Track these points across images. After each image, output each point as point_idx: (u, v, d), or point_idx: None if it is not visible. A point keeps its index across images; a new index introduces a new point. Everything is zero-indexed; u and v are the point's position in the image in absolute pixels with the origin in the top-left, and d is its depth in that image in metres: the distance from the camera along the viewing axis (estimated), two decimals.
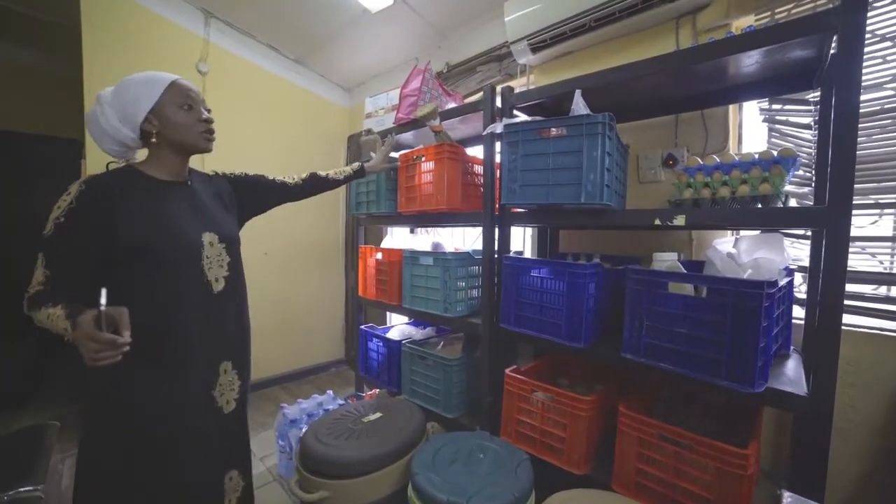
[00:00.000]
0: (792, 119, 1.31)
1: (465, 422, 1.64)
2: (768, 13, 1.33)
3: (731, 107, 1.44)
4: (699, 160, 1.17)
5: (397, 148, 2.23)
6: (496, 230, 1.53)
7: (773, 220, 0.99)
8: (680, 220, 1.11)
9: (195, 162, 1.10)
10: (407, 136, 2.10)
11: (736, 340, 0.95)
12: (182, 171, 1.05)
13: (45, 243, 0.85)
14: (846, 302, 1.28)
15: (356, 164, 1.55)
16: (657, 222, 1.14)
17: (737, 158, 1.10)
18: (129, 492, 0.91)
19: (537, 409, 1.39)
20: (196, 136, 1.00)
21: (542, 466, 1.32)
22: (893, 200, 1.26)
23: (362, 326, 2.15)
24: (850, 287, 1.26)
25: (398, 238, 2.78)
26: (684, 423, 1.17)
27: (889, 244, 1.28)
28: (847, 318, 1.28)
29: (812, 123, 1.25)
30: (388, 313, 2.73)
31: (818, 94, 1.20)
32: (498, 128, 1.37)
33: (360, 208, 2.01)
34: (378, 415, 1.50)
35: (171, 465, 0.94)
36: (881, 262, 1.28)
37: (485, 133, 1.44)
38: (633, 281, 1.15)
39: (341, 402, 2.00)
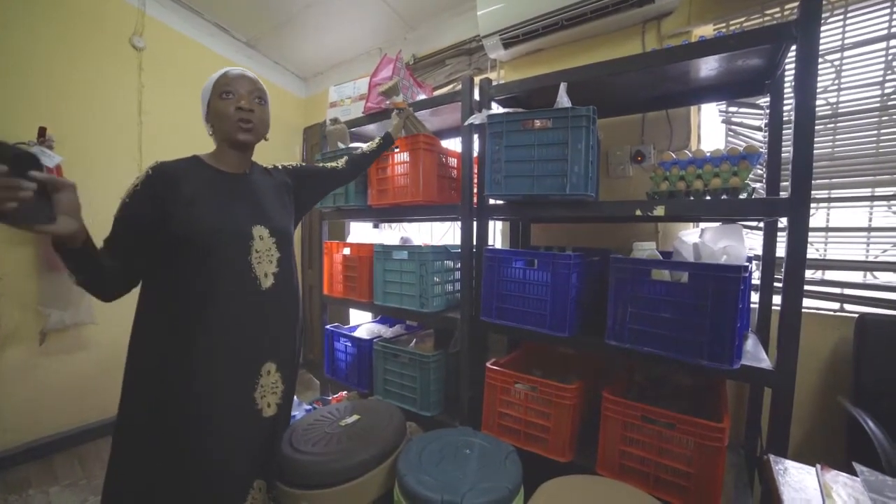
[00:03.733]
0: (745, 121, 1.43)
1: (444, 419, 1.60)
2: (724, 24, 1.45)
3: (692, 108, 1.54)
4: (673, 155, 1.24)
5: (366, 140, 2.15)
6: (474, 223, 1.52)
7: (747, 209, 1.08)
8: (660, 211, 1.16)
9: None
10: (370, 128, 2.03)
11: (715, 322, 1.01)
12: (240, 164, 1.04)
13: (114, 221, 0.88)
14: (809, 288, 1.44)
15: (382, 135, 1.51)
16: (638, 213, 1.19)
17: (708, 154, 1.18)
18: (154, 479, 0.90)
19: (520, 401, 1.40)
20: (231, 125, 0.97)
21: (525, 457, 1.33)
22: (824, 196, 1.43)
23: (327, 326, 2.04)
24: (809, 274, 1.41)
25: (360, 233, 2.67)
26: (657, 404, 1.23)
27: (822, 234, 1.45)
28: (808, 303, 1.43)
29: (762, 126, 1.38)
30: (350, 311, 2.62)
31: (768, 99, 1.33)
32: (480, 119, 1.35)
33: (326, 201, 1.90)
34: (355, 417, 1.42)
35: (199, 462, 0.91)
36: (817, 250, 1.45)
37: (466, 123, 1.42)
38: (616, 269, 1.19)
39: (308, 407, 1.88)
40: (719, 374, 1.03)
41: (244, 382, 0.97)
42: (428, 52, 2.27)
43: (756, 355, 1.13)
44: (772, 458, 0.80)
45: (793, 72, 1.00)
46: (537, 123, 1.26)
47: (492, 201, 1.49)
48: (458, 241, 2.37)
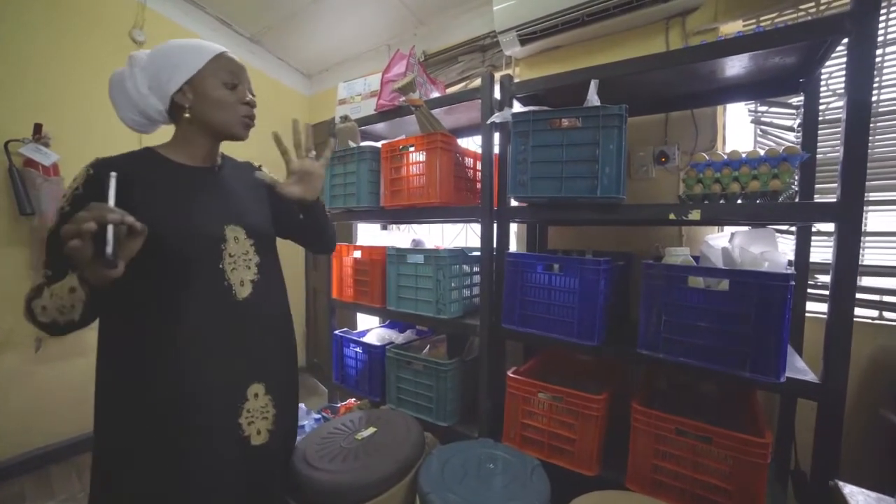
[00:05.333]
0: (775, 121, 1.39)
1: (461, 429, 1.54)
2: (754, 20, 1.40)
3: (718, 107, 1.49)
4: (706, 156, 1.18)
5: (376, 138, 2.08)
6: (495, 226, 1.46)
7: (792, 214, 1.02)
8: (695, 215, 1.11)
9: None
10: (377, 127, 1.96)
11: (761, 333, 0.96)
12: (211, 156, 0.93)
13: (50, 236, 0.75)
14: (818, 291, 1.39)
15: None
16: (672, 216, 1.14)
17: (744, 155, 1.13)
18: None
19: (543, 412, 1.34)
20: (235, 120, 0.87)
21: (549, 470, 1.27)
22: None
23: (336, 332, 1.97)
24: (822, 278, 1.37)
25: (368, 235, 2.61)
26: (683, 413, 1.18)
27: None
28: (817, 307, 1.38)
29: (795, 126, 1.33)
30: (357, 315, 2.55)
31: (801, 98, 1.28)
32: (504, 117, 1.29)
33: (335, 202, 1.83)
34: (372, 429, 1.35)
35: (180, 492, 0.80)
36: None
37: (489, 122, 1.36)
38: (650, 276, 1.14)
39: (316, 416, 1.81)
40: (763, 388, 0.98)
41: (226, 406, 0.84)
42: (439, 49, 2.21)
43: (795, 365, 1.08)
44: (841, 485, 0.74)
45: (830, 69, 0.94)
46: (565, 122, 1.20)
47: (513, 203, 1.43)
48: (470, 243, 2.33)
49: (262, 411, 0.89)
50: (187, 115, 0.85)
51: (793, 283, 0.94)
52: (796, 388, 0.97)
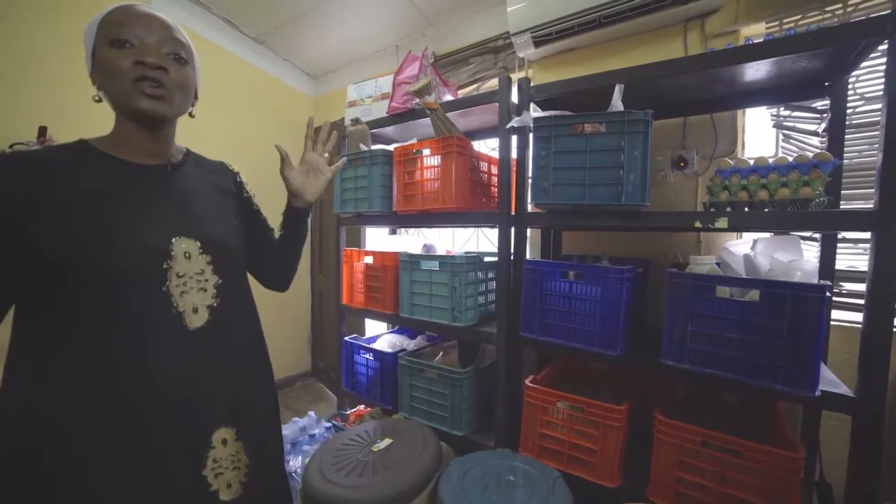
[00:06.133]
0: (797, 125, 1.36)
1: (476, 438, 1.52)
2: (776, 23, 1.37)
3: (737, 111, 1.47)
4: (731, 162, 1.16)
5: (386, 142, 2.05)
6: (512, 231, 1.43)
7: (826, 222, 1.00)
8: (722, 223, 1.08)
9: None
10: (386, 130, 1.93)
11: (795, 345, 0.94)
12: (154, 149, 0.74)
13: None
14: (844, 300, 1.37)
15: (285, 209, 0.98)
16: (697, 224, 1.11)
17: (772, 161, 1.10)
18: None
19: (562, 421, 1.32)
20: (124, 87, 0.65)
21: (568, 481, 1.25)
22: None
23: (346, 338, 1.94)
24: (848, 286, 1.34)
25: (378, 239, 2.57)
26: (703, 423, 1.15)
27: None
28: (841, 315, 1.36)
29: (819, 131, 1.31)
30: (364, 321, 2.52)
31: (827, 102, 1.26)
32: (524, 122, 1.27)
33: (346, 206, 1.80)
34: (388, 441, 1.33)
35: None
36: None
37: (508, 126, 1.33)
38: (675, 285, 1.11)
39: (326, 425, 1.78)
40: (797, 401, 0.96)
41: (185, 457, 0.68)
42: (449, 50, 2.18)
43: (824, 376, 1.06)
44: None
45: (857, 72, 0.91)
46: (588, 128, 1.18)
47: (530, 208, 1.40)
48: (481, 248, 2.30)
49: (231, 460, 0.73)
50: (95, 97, 0.70)
51: (829, 294, 0.92)
52: (831, 403, 0.94)
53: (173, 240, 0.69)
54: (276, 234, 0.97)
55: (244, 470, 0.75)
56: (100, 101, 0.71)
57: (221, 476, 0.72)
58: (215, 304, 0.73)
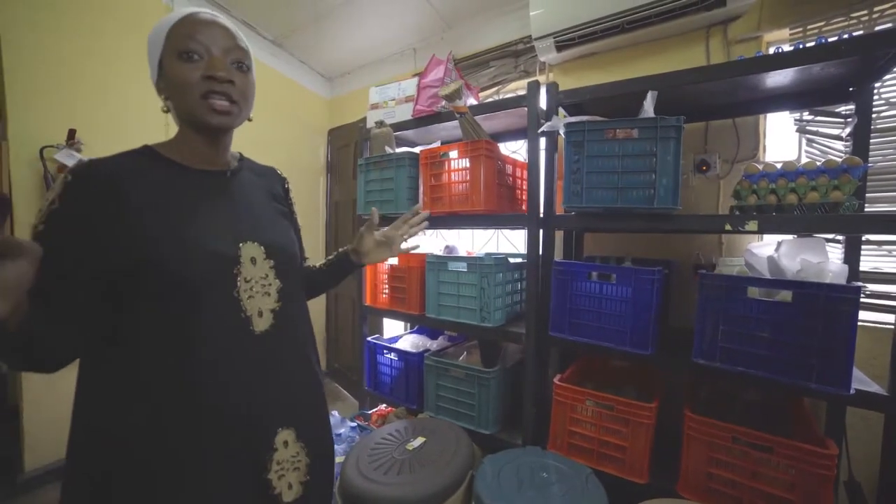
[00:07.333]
0: (821, 130, 1.39)
1: (504, 437, 1.55)
2: (800, 29, 1.40)
3: (759, 116, 1.50)
4: (759, 167, 1.19)
5: (407, 144, 2.07)
6: (541, 233, 1.46)
7: (855, 225, 1.03)
8: (752, 226, 1.11)
9: None
10: (408, 133, 1.96)
11: (829, 345, 0.97)
12: (216, 157, 0.76)
13: None
14: (868, 300, 1.40)
15: (341, 252, 1.04)
16: (728, 227, 1.14)
17: (800, 166, 1.13)
18: None
19: (590, 419, 1.35)
20: (193, 101, 0.67)
21: (597, 478, 1.28)
22: None
23: (368, 339, 1.96)
24: (873, 287, 1.37)
25: None
26: (729, 419, 1.18)
27: None
28: (866, 315, 1.39)
29: (843, 135, 1.34)
30: (383, 320, 2.54)
31: (851, 107, 1.29)
32: (555, 126, 1.29)
33: (370, 208, 1.82)
34: (421, 440, 1.36)
35: None
36: None
37: (540, 131, 1.35)
38: (707, 286, 1.14)
39: (352, 424, 1.81)
40: (830, 399, 0.99)
41: (251, 462, 0.69)
42: (467, 54, 2.20)
43: (855, 375, 1.09)
44: None
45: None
46: (620, 133, 1.21)
47: (558, 211, 1.43)
48: (501, 249, 2.33)
49: (292, 461, 0.74)
50: (164, 107, 0.72)
51: (863, 295, 0.95)
52: (864, 401, 0.97)
53: (241, 245, 0.71)
54: (319, 265, 1.03)
55: (304, 470, 0.76)
56: (167, 111, 0.73)
57: (284, 478, 0.72)
58: (278, 308, 0.75)
